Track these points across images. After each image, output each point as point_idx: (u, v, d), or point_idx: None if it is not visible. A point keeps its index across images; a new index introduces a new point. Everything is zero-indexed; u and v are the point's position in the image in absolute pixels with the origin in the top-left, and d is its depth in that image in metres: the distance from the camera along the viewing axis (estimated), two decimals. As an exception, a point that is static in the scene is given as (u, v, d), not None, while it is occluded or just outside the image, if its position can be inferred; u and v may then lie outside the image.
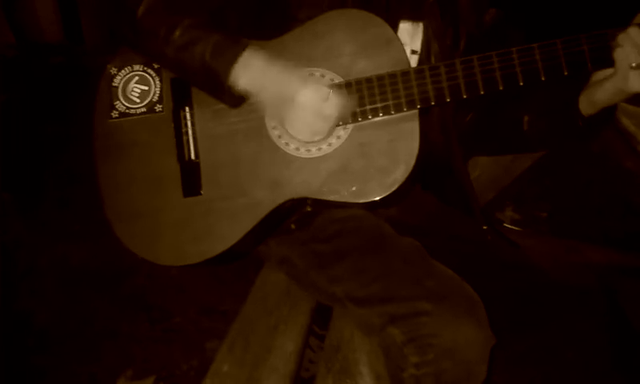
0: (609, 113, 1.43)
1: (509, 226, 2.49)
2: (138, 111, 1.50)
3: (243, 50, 1.35)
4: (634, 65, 1.30)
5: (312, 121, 1.36)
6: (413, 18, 1.53)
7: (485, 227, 1.59)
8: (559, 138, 1.57)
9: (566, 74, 1.35)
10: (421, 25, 1.54)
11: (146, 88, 1.51)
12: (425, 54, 1.54)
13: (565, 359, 1.43)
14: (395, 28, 1.50)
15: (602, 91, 1.38)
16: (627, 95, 1.35)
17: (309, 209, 1.50)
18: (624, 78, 1.33)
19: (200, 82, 1.43)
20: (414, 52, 1.54)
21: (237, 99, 1.40)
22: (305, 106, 1.34)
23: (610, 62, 1.34)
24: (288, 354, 1.61)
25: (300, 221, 1.53)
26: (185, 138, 1.48)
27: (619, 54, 1.32)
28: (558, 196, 2.63)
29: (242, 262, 1.66)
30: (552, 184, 2.63)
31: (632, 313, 1.77)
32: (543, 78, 1.36)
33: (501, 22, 2.24)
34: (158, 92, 1.51)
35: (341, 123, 1.41)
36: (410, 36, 1.54)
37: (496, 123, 1.66)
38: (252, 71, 1.35)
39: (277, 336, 1.64)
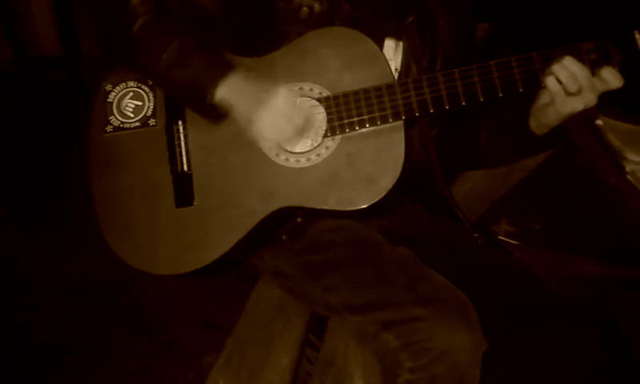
0: (559, 130, 1.47)
1: (503, 239, 2.50)
2: (132, 125, 1.53)
3: (227, 71, 1.41)
4: (573, 92, 1.35)
5: (275, 131, 1.41)
6: (397, 36, 1.57)
7: (475, 235, 1.60)
8: (513, 153, 1.63)
9: (543, 86, 1.39)
10: (401, 44, 1.58)
11: (140, 103, 1.54)
12: (404, 73, 1.58)
13: (559, 371, 1.42)
14: (381, 45, 1.54)
15: (546, 117, 1.44)
16: (572, 114, 1.39)
17: (299, 220, 1.52)
18: (563, 104, 1.37)
19: (185, 98, 1.49)
20: (395, 70, 1.58)
21: (217, 115, 1.45)
22: (264, 135, 1.40)
23: (538, 84, 1.39)
24: (283, 368, 1.61)
25: (291, 231, 1.54)
26: (177, 150, 1.51)
27: (554, 85, 1.36)
28: (551, 208, 2.64)
29: (238, 276, 1.68)
30: (545, 197, 2.64)
31: (624, 324, 1.77)
32: (521, 90, 1.40)
33: (493, 36, 2.26)
34: (151, 107, 1.54)
35: (329, 134, 1.45)
36: (394, 53, 1.58)
37: (456, 139, 1.70)
38: (232, 89, 1.40)
39: (272, 350, 1.64)
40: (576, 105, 1.36)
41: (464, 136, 1.67)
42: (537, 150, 1.54)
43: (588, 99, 1.35)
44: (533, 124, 1.48)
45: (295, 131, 1.42)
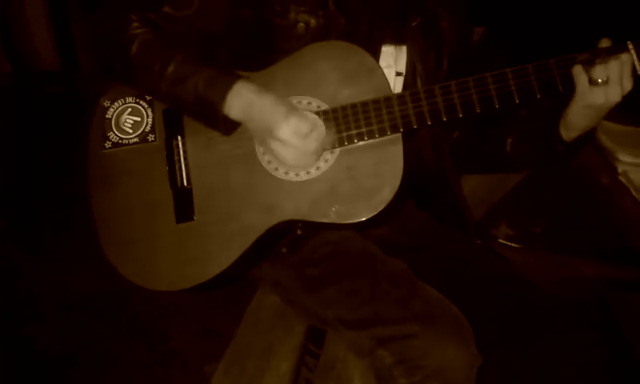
0: (587, 136, 1.47)
1: (504, 242, 2.50)
2: (131, 141, 1.54)
3: (235, 81, 1.40)
4: (599, 81, 1.35)
5: (295, 155, 1.41)
6: (396, 41, 1.58)
7: (478, 242, 1.61)
8: (539, 160, 1.63)
9: (538, 96, 1.40)
10: (404, 48, 1.58)
11: (139, 119, 1.55)
12: (410, 75, 1.59)
13: (562, 374, 1.43)
14: (377, 53, 1.55)
15: (575, 115, 1.43)
16: (601, 111, 1.40)
17: (299, 232, 1.53)
18: (584, 93, 1.37)
19: (194, 112, 1.48)
20: (398, 74, 1.59)
21: (230, 127, 1.45)
22: (286, 141, 1.38)
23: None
24: (282, 375, 1.63)
25: (291, 244, 1.55)
26: (177, 165, 1.51)
27: (578, 73, 1.37)
28: (551, 211, 2.63)
29: (239, 285, 1.67)
30: (545, 199, 2.63)
31: (625, 325, 1.78)
32: (517, 101, 1.41)
33: (487, 41, 2.27)
34: (150, 122, 1.55)
35: (328, 148, 1.45)
36: (394, 58, 1.58)
37: (480, 142, 1.70)
38: (243, 100, 1.40)
39: (271, 357, 1.65)
40: (599, 96, 1.36)
41: (490, 140, 1.68)
42: (563, 157, 1.55)
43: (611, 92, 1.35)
44: (562, 126, 1.48)
45: (311, 160, 1.43)
